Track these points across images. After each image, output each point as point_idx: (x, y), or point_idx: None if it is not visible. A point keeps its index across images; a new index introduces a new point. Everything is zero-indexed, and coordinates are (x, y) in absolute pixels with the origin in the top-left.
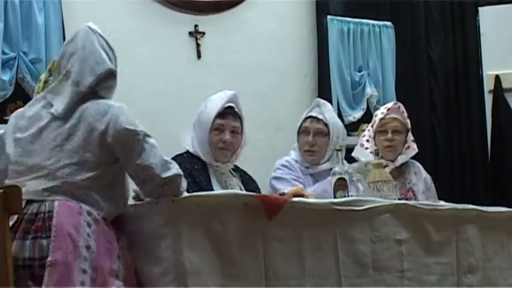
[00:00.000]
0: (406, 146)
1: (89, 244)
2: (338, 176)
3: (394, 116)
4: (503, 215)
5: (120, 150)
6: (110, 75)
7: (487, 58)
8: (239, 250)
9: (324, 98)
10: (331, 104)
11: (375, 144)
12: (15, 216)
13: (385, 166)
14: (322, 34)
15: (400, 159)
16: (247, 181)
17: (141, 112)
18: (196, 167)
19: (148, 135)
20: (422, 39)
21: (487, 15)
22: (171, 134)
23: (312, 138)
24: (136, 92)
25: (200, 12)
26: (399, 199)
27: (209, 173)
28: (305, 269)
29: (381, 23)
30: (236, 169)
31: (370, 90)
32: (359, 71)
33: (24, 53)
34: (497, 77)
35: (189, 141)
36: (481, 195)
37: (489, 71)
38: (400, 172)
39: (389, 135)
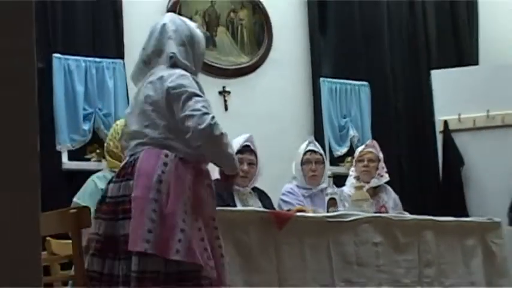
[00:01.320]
0: (379, 172)
1: (161, 179)
2: (330, 196)
3: (370, 149)
4: (452, 223)
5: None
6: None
7: (437, 107)
8: (257, 252)
9: (317, 139)
10: (323, 142)
11: (356, 171)
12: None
13: (363, 186)
14: (316, 91)
15: (373, 182)
16: (264, 198)
17: None
18: (223, 188)
19: (196, 95)
20: (390, 95)
21: (437, 75)
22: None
23: (314, 165)
24: None
25: (227, 77)
26: (375, 213)
27: (233, 194)
28: (307, 265)
29: (359, 83)
30: (255, 189)
31: (352, 132)
32: (344, 118)
33: (99, 109)
34: (445, 122)
35: (217, 173)
36: (436, 209)
37: (439, 117)
38: (375, 193)
39: (365, 162)
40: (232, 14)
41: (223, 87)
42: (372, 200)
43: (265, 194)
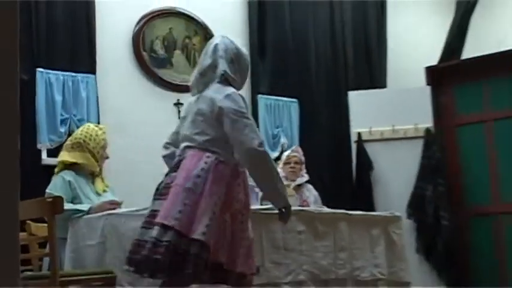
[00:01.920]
0: (301, 173)
1: (199, 174)
2: None
3: (295, 154)
4: (361, 216)
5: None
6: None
7: (353, 121)
8: None
9: None
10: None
11: (283, 171)
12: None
13: (289, 185)
14: (255, 106)
15: (298, 181)
16: None
17: (144, 153)
18: None
19: (243, 116)
20: (315, 110)
21: (353, 95)
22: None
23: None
24: (139, 143)
25: (181, 91)
26: (299, 206)
27: None
28: None
29: (290, 99)
30: None
31: (283, 140)
32: (276, 128)
33: (74, 115)
34: (359, 133)
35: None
36: (349, 204)
37: (354, 130)
38: (298, 190)
39: (292, 164)
40: (187, 40)
41: (178, 99)
42: (296, 196)
43: None
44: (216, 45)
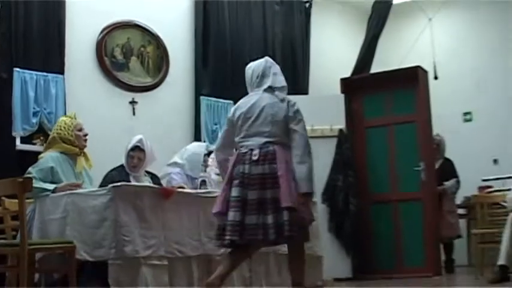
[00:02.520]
0: None
1: (291, 164)
2: (201, 179)
3: None
4: None
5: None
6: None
7: None
8: (149, 214)
9: (197, 138)
10: (201, 141)
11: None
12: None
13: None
14: (198, 106)
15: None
16: (155, 178)
17: (102, 143)
18: (124, 173)
19: (303, 120)
20: None
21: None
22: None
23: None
24: (99, 134)
25: (136, 92)
26: None
27: (130, 177)
28: (183, 225)
29: (227, 101)
30: (148, 172)
31: (220, 135)
32: (215, 125)
33: (45, 109)
34: None
35: (124, 161)
36: None
37: None
38: None
39: None
40: (142, 48)
41: (133, 98)
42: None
43: (156, 176)
44: (265, 65)
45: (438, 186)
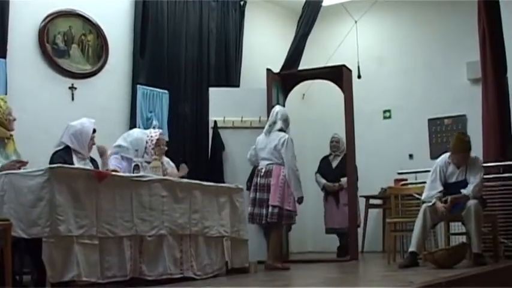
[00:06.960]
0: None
1: (284, 178)
2: (135, 163)
3: (164, 137)
4: (212, 187)
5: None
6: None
7: (211, 111)
8: (84, 196)
9: (132, 125)
10: (136, 127)
11: (154, 151)
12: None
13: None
14: (134, 94)
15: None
16: (94, 162)
17: (42, 125)
18: (69, 155)
19: (293, 153)
20: (182, 101)
21: (213, 91)
22: (54, 141)
23: (162, 146)
24: (38, 117)
25: (75, 78)
26: (163, 175)
27: (74, 159)
28: (116, 207)
29: (162, 90)
30: (91, 159)
31: (155, 122)
32: (150, 113)
33: None
34: (215, 121)
35: (68, 141)
36: (204, 177)
37: (212, 118)
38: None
39: (161, 146)
40: (83, 37)
41: (72, 84)
42: (161, 166)
43: (95, 160)
44: (277, 112)
45: (337, 182)
